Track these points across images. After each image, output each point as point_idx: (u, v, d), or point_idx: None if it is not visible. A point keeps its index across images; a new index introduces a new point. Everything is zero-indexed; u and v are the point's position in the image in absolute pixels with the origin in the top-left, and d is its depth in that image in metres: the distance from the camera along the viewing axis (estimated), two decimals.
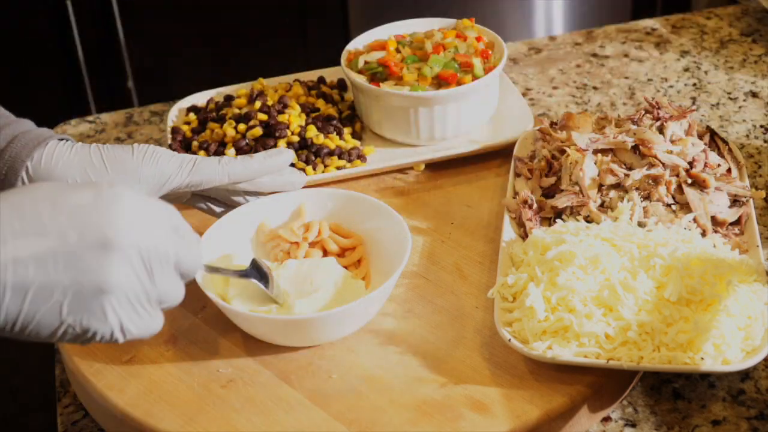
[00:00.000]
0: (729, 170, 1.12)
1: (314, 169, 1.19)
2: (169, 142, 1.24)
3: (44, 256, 0.73)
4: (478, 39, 1.26)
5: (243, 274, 0.96)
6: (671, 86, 1.42)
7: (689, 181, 1.08)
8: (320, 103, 1.27)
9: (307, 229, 1.06)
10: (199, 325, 1.01)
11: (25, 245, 0.72)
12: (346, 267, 1.04)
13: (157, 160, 1.00)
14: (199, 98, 1.31)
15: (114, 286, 0.75)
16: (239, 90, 1.31)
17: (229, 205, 1.09)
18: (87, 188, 0.77)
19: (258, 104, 1.24)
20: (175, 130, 1.25)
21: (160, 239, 0.78)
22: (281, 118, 1.21)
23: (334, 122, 1.23)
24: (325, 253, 1.06)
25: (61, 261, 0.73)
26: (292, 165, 1.18)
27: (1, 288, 0.72)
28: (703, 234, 1.04)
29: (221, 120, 1.24)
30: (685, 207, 1.07)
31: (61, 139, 1.00)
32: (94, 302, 0.75)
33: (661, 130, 1.13)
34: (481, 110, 1.24)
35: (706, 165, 1.10)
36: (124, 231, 0.75)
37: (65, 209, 0.74)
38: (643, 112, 1.17)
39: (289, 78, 1.33)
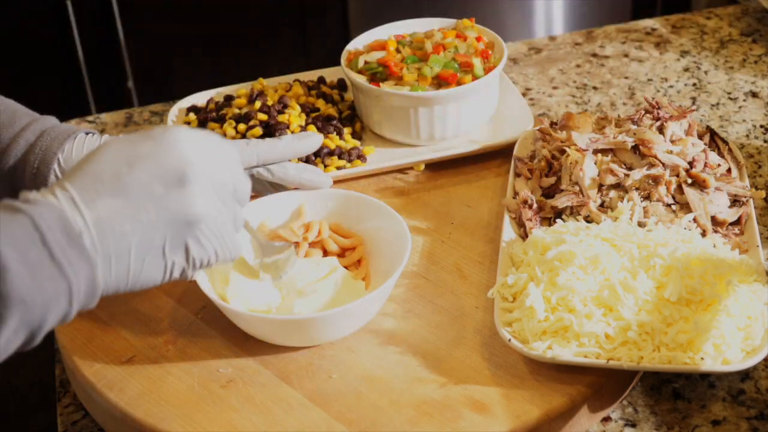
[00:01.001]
0: (729, 170, 1.13)
1: None
2: None
3: (136, 211, 0.79)
4: (478, 39, 1.26)
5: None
6: (671, 86, 1.42)
7: (689, 181, 1.08)
8: (320, 103, 1.27)
9: (308, 228, 1.06)
10: (199, 325, 1.01)
11: (116, 207, 0.79)
12: (346, 267, 1.04)
13: None
14: (199, 98, 1.31)
15: (200, 213, 0.83)
16: (239, 90, 1.31)
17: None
18: (153, 136, 0.83)
19: (258, 104, 1.24)
20: None
21: (220, 168, 0.86)
22: (281, 118, 1.21)
23: (334, 122, 1.23)
24: (326, 253, 1.06)
25: (152, 210, 0.80)
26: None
27: (106, 256, 0.78)
28: (703, 234, 1.04)
29: (221, 120, 1.24)
30: (685, 207, 1.07)
31: (88, 133, 1.04)
32: (188, 233, 0.82)
33: (661, 130, 1.13)
34: (481, 110, 1.24)
35: (706, 165, 1.10)
36: (193, 164, 0.82)
37: (139, 164, 0.80)
38: (643, 112, 1.17)
39: (289, 78, 1.33)
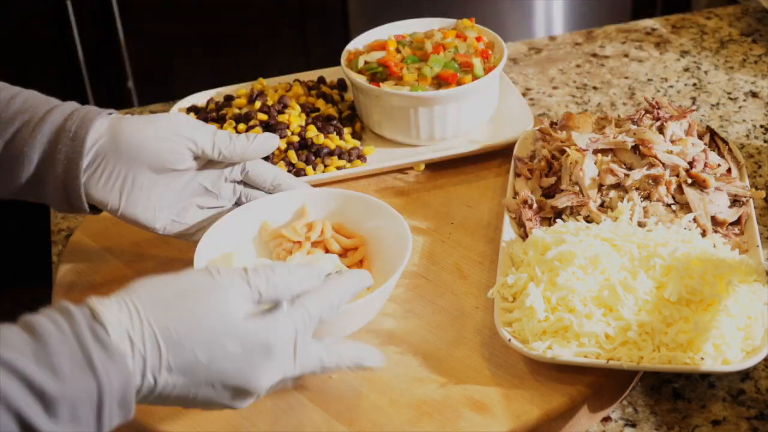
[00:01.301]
0: (729, 170, 1.12)
1: (314, 169, 1.19)
2: None
3: (207, 396, 0.78)
4: (478, 39, 1.26)
5: None
6: (671, 86, 1.42)
7: (689, 181, 1.08)
8: (320, 103, 1.27)
9: (310, 228, 1.06)
10: None
11: (187, 387, 0.76)
12: (348, 267, 1.04)
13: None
14: (199, 98, 1.31)
15: (275, 349, 0.79)
16: (239, 90, 1.31)
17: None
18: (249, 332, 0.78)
19: (258, 104, 1.24)
20: None
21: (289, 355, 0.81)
22: (281, 118, 1.21)
23: (334, 122, 1.23)
24: (327, 252, 1.06)
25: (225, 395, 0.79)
26: (293, 166, 1.18)
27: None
28: (703, 234, 1.04)
29: (221, 120, 1.24)
30: (685, 207, 1.07)
31: (110, 113, 1.03)
32: (255, 365, 0.79)
33: (661, 130, 1.13)
34: (481, 110, 1.24)
35: (706, 165, 1.10)
36: (263, 381, 0.80)
37: (220, 354, 0.77)
38: (643, 112, 1.17)
39: (289, 78, 1.33)
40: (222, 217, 1.05)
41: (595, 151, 1.11)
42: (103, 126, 0.99)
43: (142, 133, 0.99)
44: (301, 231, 1.06)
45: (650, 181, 1.07)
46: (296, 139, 1.19)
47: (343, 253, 1.06)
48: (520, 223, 1.09)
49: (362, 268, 1.05)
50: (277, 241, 1.06)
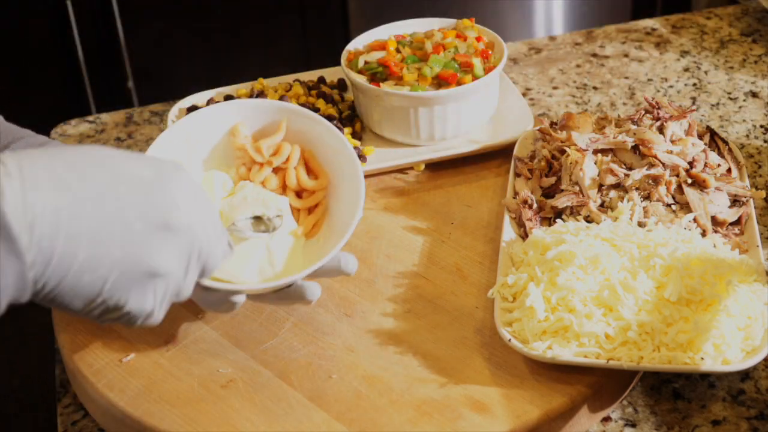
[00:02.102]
0: (729, 170, 1.13)
1: None
2: None
3: (99, 227, 0.70)
4: (478, 39, 1.26)
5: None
6: (671, 86, 1.42)
7: (689, 181, 1.08)
8: (320, 103, 1.27)
9: (276, 151, 1.01)
10: (199, 325, 1.01)
11: (81, 211, 0.69)
12: (298, 209, 1.01)
13: None
14: (199, 98, 1.31)
15: (165, 270, 0.74)
16: (239, 90, 1.31)
17: None
18: (147, 163, 0.74)
19: None
20: None
21: (206, 233, 0.78)
22: None
23: (335, 122, 1.23)
24: (284, 188, 1.01)
25: (118, 235, 0.70)
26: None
27: (48, 254, 0.68)
28: (703, 234, 1.04)
29: None
30: (685, 207, 1.07)
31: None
32: (139, 283, 0.73)
33: (661, 130, 1.13)
34: (481, 110, 1.24)
35: (706, 165, 1.10)
36: (184, 217, 0.74)
37: (125, 180, 0.71)
38: (643, 112, 1.17)
39: (289, 78, 1.33)
40: (196, 111, 1.00)
41: (595, 151, 1.11)
42: None
43: None
44: (267, 151, 1.00)
45: (650, 181, 1.07)
46: None
47: (299, 192, 1.01)
48: (520, 223, 1.09)
49: (311, 217, 1.01)
50: (240, 153, 1.01)
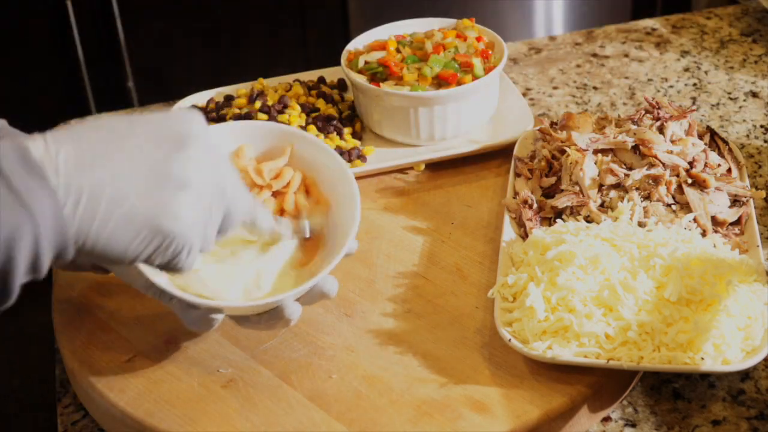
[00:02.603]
0: (729, 170, 1.13)
1: None
2: None
3: (118, 158, 0.73)
4: (478, 39, 1.26)
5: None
6: (671, 86, 1.42)
7: (689, 181, 1.08)
8: (320, 103, 1.27)
9: (278, 175, 1.00)
10: None
11: (92, 146, 0.73)
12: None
13: None
14: (199, 98, 1.31)
15: (191, 178, 0.76)
16: (239, 90, 1.31)
17: None
18: (165, 120, 0.78)
19: (258, 104, 1.24)
20: None
21: (225, 171, 0.80)
22: (281, 118, 1.21)
23: (334, 122, 1.23)
24: (282, 212, 1.00)
25: (138, 159, 0.74)
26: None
27: (72, 193, 0.71)
28: (703, 234, 1.04)
29: (221, 120, 1.24)
30: (685, 207, 1.07)
31: None
32: (169, 200, 0.75)
33: (661, 130, 1.13)
34: (481, 110, 1.24)
35: (706, 165, 1.10)
36: (196, 135, 0.77)
37: (135, 120, 0.76)
38: (643, 112, 1.17)
39: (289, 78, 1.33)
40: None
41: (595, 151, 1.11)
42: None
43: None
44: (268, 175, 1.00)
45: (650, 181, 1.07)
46: None
47: (297, 216, 1.01)
48: (520, 223, 1.09)
49: (310, 245, 1.00)
50: (242, 174, 1.00)
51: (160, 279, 0.90)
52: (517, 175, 1.16)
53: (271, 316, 0.92)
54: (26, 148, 0.70)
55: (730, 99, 1.38)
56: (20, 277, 0.70)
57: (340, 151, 1.20)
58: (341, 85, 1.32)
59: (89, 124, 0.75)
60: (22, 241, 0.68)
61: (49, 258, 0.71)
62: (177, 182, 0.76)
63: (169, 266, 0.80)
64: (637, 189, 1.07)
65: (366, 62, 1.23)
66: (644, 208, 1.06)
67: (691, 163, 1.09)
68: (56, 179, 0.70)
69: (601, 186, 1.08)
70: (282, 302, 0.92)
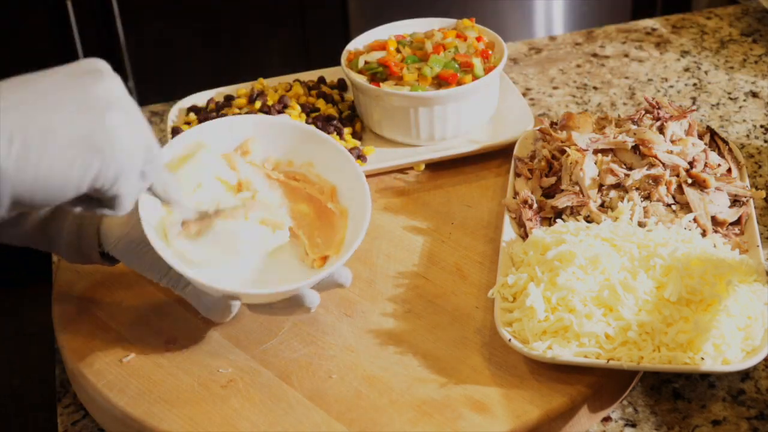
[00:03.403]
0: (729, 170, 1.13)
1: None
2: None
3: (42, 92, 0.73)
4: (479, 39, 1.26)
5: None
6: (671, 86, 1.42)
7: (689, 181, 1.08)
8: (320, 103, 1.27)
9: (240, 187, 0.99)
10: (199, 325, 1.01)
11: (16, 89, 0.72)
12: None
13: None
14: (199, 98, 1.31)
15: (117, 99, 0.77)
16: (239, 90, 1.31)
17: None
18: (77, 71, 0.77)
19: (258, 104, 1.24)
20: (175, 130, 1.25)
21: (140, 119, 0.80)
22: None
23: (335, 122, 1.23)
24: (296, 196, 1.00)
25: (62, 87, 0.74)
26: None
27: (7, 134, 0.70)
28: (703, 234, 1.04)
29: None
30: (686, 207, 1.07)
31: None
32: (99, 115, 0.75)
33: (661, 130, 1.13)
34: (481, 110, 1.24)
35: (706, 165, 1.10)
36: (114, 76, 0.78)
37: (53, 69, 0.76)
38: (643, 112, 1.17)
39: (289, 78, 1.33)
40: (215, 121, 1.00)
41: (595, 151, 1.11)
42: None
43: None
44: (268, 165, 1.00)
45: (650, 181, 1.07)
46: None
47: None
48: (520, 223, 1.09)
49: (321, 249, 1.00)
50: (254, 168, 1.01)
51: (177, 263, 0.90)
52: (517, 175, 1.16)
53: (290, 304, 0.95)
54: None
55: (730, 99, 1.38)
56: None
57: None
58: (341, 85, 1.32)
59: (6, 80, 0.75)
60: None
61: None
62: (103, 101, 0.76)
63: (110, 198, 0.78)
64: (637, 189, 1.07)
65: (366, 62, 1.23)
66: (644, 208, 1.06)
67: (691, 163, 1.10)
68: None
69: (601, 186, 1.08)
70: (300, 290, 0.93)
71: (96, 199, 0.79)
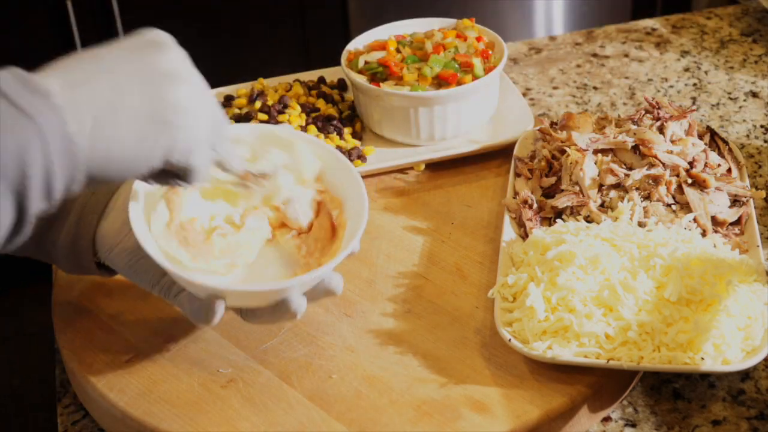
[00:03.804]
0: (729, 170, 1.13)
1: None
2: None
3: (110, 68, 0.74)
4: (479, 39, 1.26)
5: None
6: (671, 86, 1.42)
7: (689, 181, 1.08)
8: (320, 103, 1.27)
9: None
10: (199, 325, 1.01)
11: (84, 68, 0.74)
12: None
13: None
14: None
15: (183, 72, 0.77)
16: (239, 90, 1.31)
17: None
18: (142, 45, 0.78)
19: (258, 104, 1.24)
20: None
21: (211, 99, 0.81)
22: (281, 118, 1.21)
23: (335, 122, 1.23)
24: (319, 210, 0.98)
25: (129, 64, 0.75)
26: None
27: (75, 108, 0.71)
28: (704, 234, 1.04)
29: None
30: (686, 207, 1.07)
31: None
32: (167, 90, 0.76)
33: (661, 130, 1.13)
34: (481, 110, 1.24)
35: (706, 165, 1.10)
36: (176, 45, 0.79)
37: (115, 42, 0.77)
38: (643, 112, 1.17)
39: (289, 78, 1.33)
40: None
41: (596, 151, 1.11)
42: None
43: None
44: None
45: (650, 181, 1.07)
46: None
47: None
48: (520, 223, 1.09)
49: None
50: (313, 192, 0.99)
51: (169, 264, 0.89)
52: (517, 175, 1.16)
53: (276, 309, 0.91)
54: (23, 73, 0.71)
55: (730, 99, 1.38)
56: (36, 200, 0.70)
57: (340, 151, 1.20)
58: (341, 85, 1.32)
59: (67, 57, 0.76)
60: (33, 157, 0.68)
61: (61, 179, 0.70)
62: (166, 73, 0.76)
63: (183, 170, 0.79)
64: (637, 189, 1.07)
65: (366, 62, 1.23)
66: (644, 208, 1.06)
67: (691, 163, 1.10)
68: (57, 98, 0.70)
69: (601, 186, 1.08)
70: (287, 291, 0.90)
71: (171, 172, 0.80)
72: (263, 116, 1.21)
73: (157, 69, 0.76)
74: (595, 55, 1.50)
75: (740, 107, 1.36)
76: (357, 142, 1.23)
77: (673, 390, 0.97)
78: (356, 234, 0.93)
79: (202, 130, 0.79)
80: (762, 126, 1.32)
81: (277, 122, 1.20)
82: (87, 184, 0.73)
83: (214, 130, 0.82)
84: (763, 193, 1.11)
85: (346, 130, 1.23)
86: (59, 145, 0.69)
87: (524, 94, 1.41)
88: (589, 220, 1.07)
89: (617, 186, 1.08)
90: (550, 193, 1.12)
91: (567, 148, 1.12)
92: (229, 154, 0.87)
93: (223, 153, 0.86)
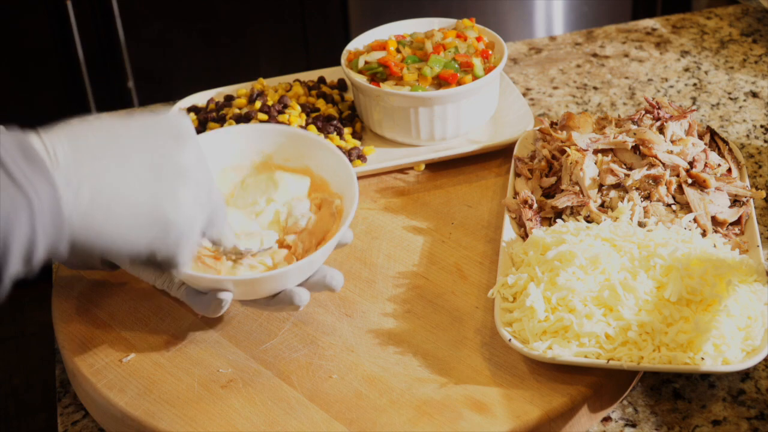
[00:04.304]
0: (729, 170, 1.13)
1: None
2: None
3: (116, 148, 0.74)
4: (479, 39, 1.26)
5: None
6: (671, 86, 1.42)
7: (689, 181, 1.08)
8: (320, 103, 1.27)
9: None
10: (199, 325, 1.01)
11: (89, 140, 0.74)
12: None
13: None
14: (199, 98, 1.31)
15: (191, 170, 0.78)
16: (239, 90, 1.31)
17: None
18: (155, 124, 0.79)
19: (258, 104, 1.24)
20: None
21: (211, 175, 0.82)
22: (281, 118, 1.21)
23: (335, 122, 1.23)
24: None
25: (136, 148, 0.76)
26: None
27: (70, 181, 0.71)
28: (704, 234, 1.04)
29: (221, 120, 1.24)
30: (686, 207, 1.07)
31: None
32: (170, 185, 0.77)
33: (661, 130, 1.13)
34: (481, 110, 1.24)
35: (706, 165, 1.10)
36: (194, 136, 0.79)
37: (131, 119, 0.77)
38: (643, 112, 1.17)
39: (289, 78, 1.33)
40: (214, 132, 1.01)
41: (596, 151, 1.11)
42: None
43: None
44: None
45: (650, 181, 1.07)
46: None
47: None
48: (520, 223, 1.09)
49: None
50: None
51: None
52: (517, 175, 1.16)
53: (279, 301, 0.94)
54: (26, 139, 0.71)
55: (730, 99, 1.38)
56: (14, 265, 0.70)
57: (341, 151, 1.20)
58: (341, 85, 1.32)
59: (85, 123, 0.76)
60: (17, 227, 0.68)
61: (43, 247, 0.71)
62: (177, 172, 0.77)
63: (167, 261, 0.80)
64: (637, 189, 1.07)
65: (366, 62, 1.23)
66: (644, 208, 1.06)
67: (691, 163, 1.10)
68: (54, 169, 0.71)
69: (601, 186, 1.08)
70: (285, 277, 0.92)
71: (153, 261, 0.81)
72: (263, 116, 1.21)
73: (171, 166, 0.77)
74: (595, 55, 1.50)
75: (740, 107, 1.36)
76: (357, 142, 1.23)
77: (673, 390, 0.97)
78: (346, 221, 0.95)
79: (195, 227, 0.80)
80: (762, 126, 1.32)
81: (277, 122, 1.20)
82: (71, 252, 0.74)
83: (210, 222, 0.83)
84: (763, 193, 1.11)
85: (346, 130, 1.23)
86: (47, 218, 0.70)
87: (524, 94, 1.41)
88: (589, 220, 1.07)
89: (617, 186, 1.08)
90: (550, 193, 1.12)
91: (567, 148, 1.12)
92: (222, 236, 0.89)
93: (215, 235, 0.88)
